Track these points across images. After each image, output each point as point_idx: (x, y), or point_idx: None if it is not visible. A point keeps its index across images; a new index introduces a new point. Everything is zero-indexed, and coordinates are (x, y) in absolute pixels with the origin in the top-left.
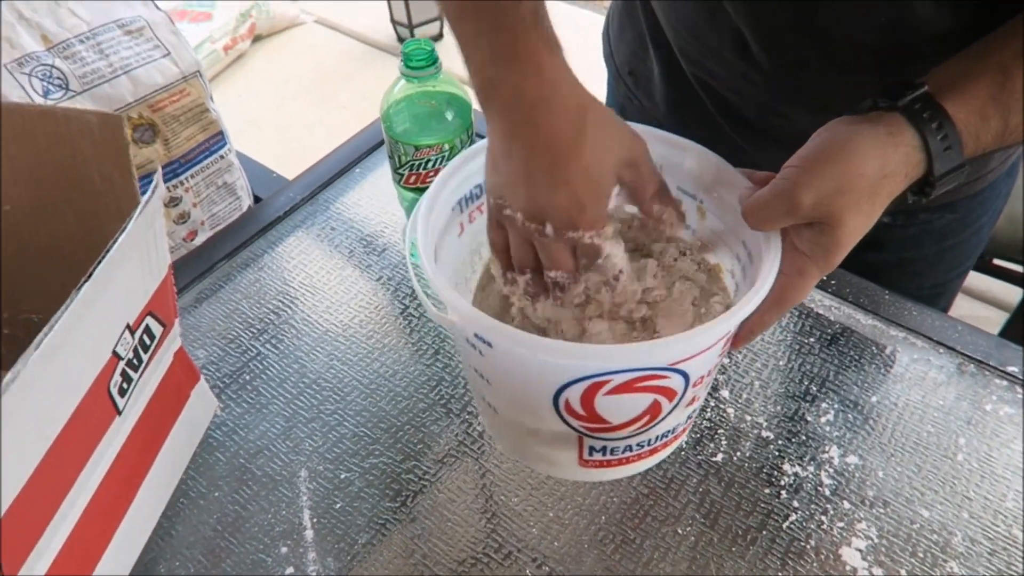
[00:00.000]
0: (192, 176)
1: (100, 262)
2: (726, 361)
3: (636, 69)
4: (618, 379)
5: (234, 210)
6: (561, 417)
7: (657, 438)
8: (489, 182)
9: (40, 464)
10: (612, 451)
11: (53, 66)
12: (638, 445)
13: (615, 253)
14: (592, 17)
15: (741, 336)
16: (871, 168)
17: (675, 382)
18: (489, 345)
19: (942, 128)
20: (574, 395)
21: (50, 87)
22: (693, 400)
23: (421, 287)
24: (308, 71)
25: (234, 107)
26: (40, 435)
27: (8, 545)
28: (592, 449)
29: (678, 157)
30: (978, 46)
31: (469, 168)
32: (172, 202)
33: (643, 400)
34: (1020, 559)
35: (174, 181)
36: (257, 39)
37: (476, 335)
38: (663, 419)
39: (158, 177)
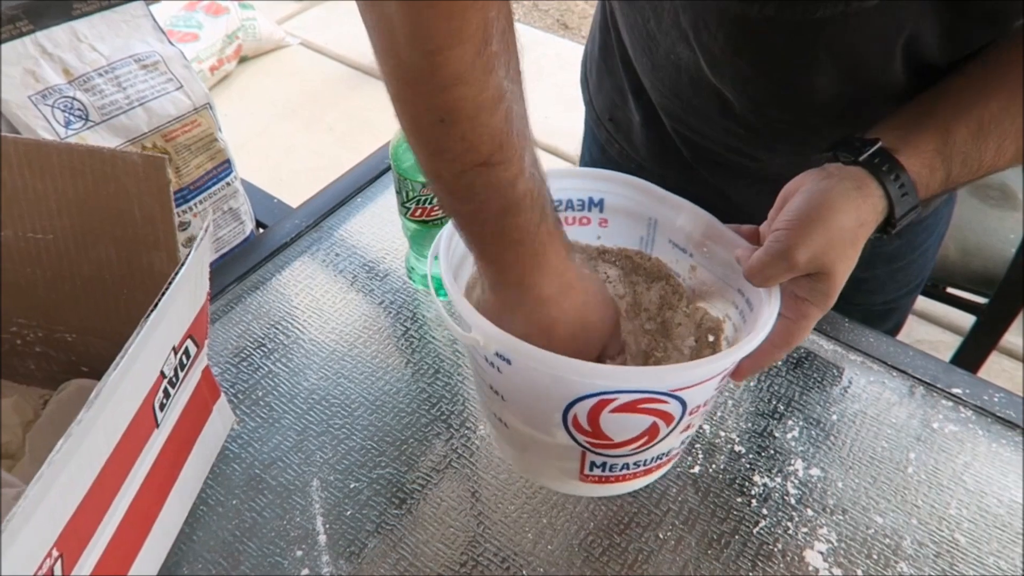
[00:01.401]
0: (200, 202)
1: (163, 295)
2: None
3: (616, 116)
4: (623, 398)
5: (238, 234)
6: (568, 431)
7: (652, 459)
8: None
9: (98, 474)
10: (611, 468)
11: (74, 98)
12: (635, 464)
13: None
14: (575, 48)
15: (744, 370)
16: (850, 221)
17: (673, 407)
18: (508, 363)
19: (899, 178)
20: (582, 411)
21: (71, 118)
22: (688, 427)
23: (445, 308)
24: (294, 93)
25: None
26: (104, 447)
27: (66, 551)
28: (593, 464)
29: (672, 215)
30: (923, 101)
31: None
32: (181, 226)
33: (643, 421)
34: (962, 560)
35: (184, 206)
36: (243, 60)
37: (497, 354)
38: (660, 441)
39: (210, 218)
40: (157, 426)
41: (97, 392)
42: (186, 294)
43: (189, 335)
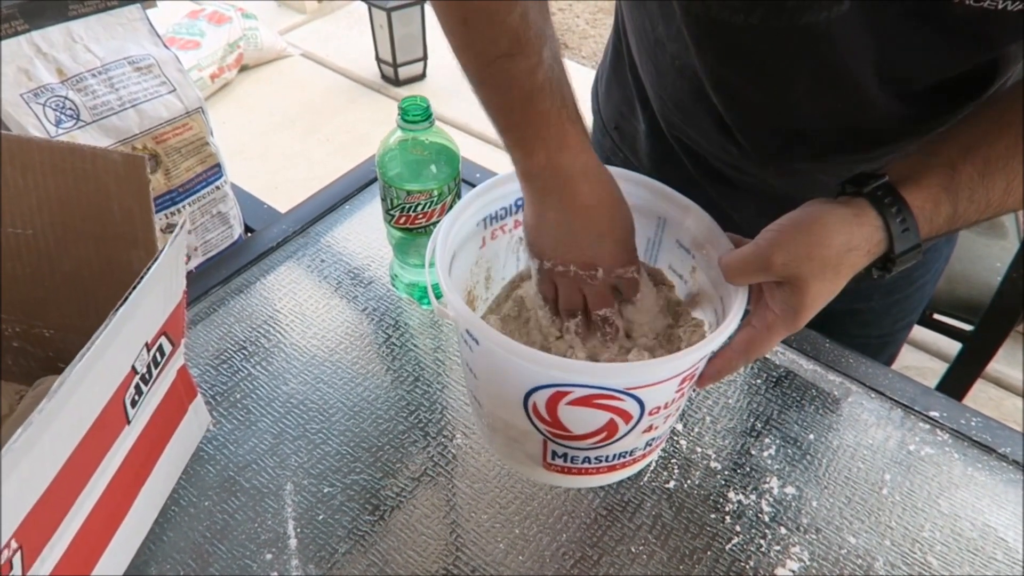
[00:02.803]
0: (189, 204)
1: (134, 289)
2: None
3: (621, 125)
4: (578, 392)
5: (226, 238)
6: (529, 418)
7: (615, 456)
8: (536, 247)
9: (62, 467)
10: (572, 459)
11: (66, 97)
12: (596, 459)
13: (644, 282)
14: (576, 68)
15: (707, 375)
16: (837, 241)
17: (630, 406)
18: (476, 342)
19: (900, 212)
20: (541, 399)
21: (62, 117)
22: (651, 428)
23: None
24: (293, 103)
25: (219, 135)
26: (68, 440)
27: (26, 543)
28: (554, 454)
29: (680, 215)
30: (930, 141)
31: (492, 195)
32: (169, 228)
33: (600, 416)
34: None
35: (172, 209)
36: (244, 69)
37: (467, 331)
38: (619, 439)
39: (185, 215)
40: (128, 422)
41: (61, 382)
42: (160, 290)
43: (163, 332)
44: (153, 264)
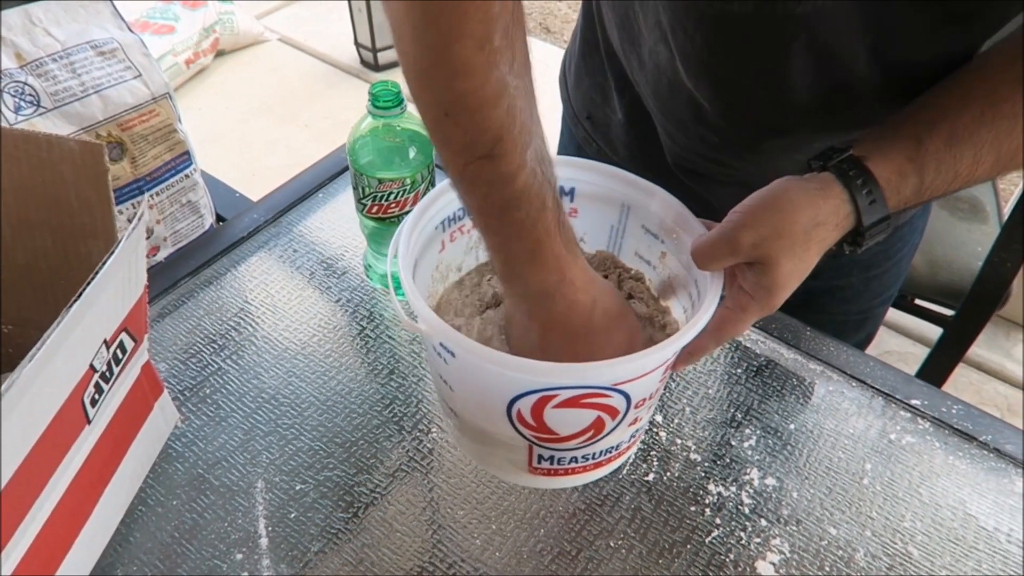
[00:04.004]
0: (157, 194)
1: (88, 284)
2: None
3: (594, 114)
4: (565, 394)
5: (197, 228)
6: (513, 426)
7: (601, 452)
8: (514, 348)
9: (18, 469)
10: (559, 461)
11: (25, 83)
12: (583, 457)
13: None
14: (558, 52)
15: (680, 359)
16: (804, 217)
17: (617, 401)
18: (452, 355)
19: (866, 184)
20: (525, 406)
21: (22, 103)
22: (636, 420)
23: (398, 298)
24: (271, 89)
25: (195, 122)
26: (22, 441)
27: None
28: (540, 458)
29: (645, 200)
30: (896, 118)
31: (451, 195)
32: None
33: (588, 416)
34: (914, 573)
35: (139, 198)
36: (220, 54)
37: (442, 345)
38: (607, 435)
39: (144, 206)
40: (89, 422)
41: (11, 382)
42: (118, 284)
43: (124, 328)
44: (109, 257)
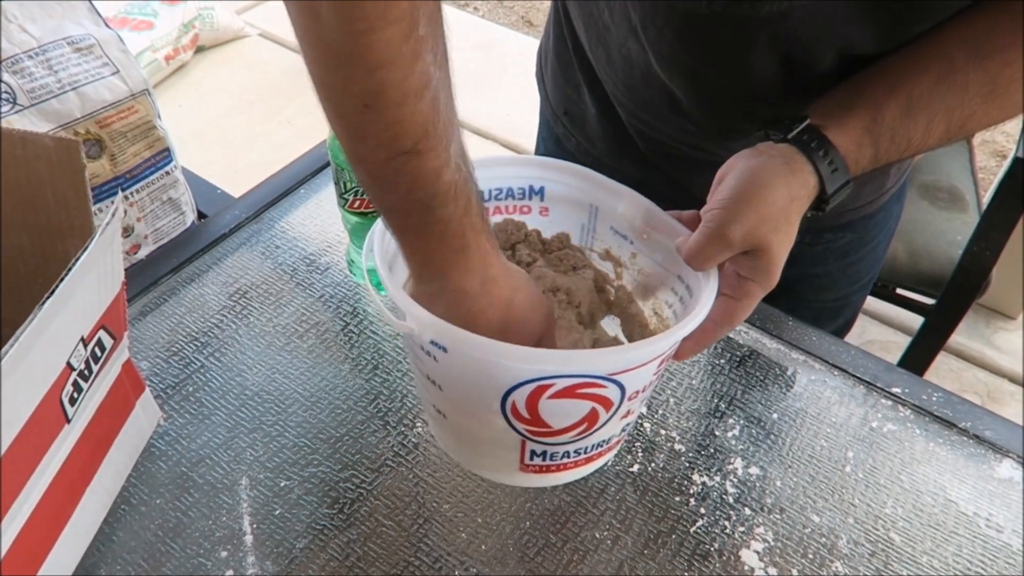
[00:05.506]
0: (137, 191)
1: (62, 280)
2: None
3: (571, 110)
4: (561, 383)
5: (178, 225)
6: (507, 419)
7: (592, 447)
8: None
9: None
10: (551, 456)
11: (1, 80)
12: (575, 452)
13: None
14: (536, 46)
15: (686, 349)
16: (781, 196)
17: (612, 392)
18: (444, 350)
19: (828, 154)
20: (520, 397)
21: None
22: (628, 413)
23: (383, 300)
24: (252, 85)
25: (175, 118)
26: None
27: None
28: (533, 453)
29: (612, 201)
30: (855, 81)
31: None
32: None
33: (583, 407)
34: (896, 559)
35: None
36: (200, 50)
37: (432, 341)
38: (599, 428)
39: (119, 200)
40: (68, 421)
41: None
42: (94, 281)
43: (102, 325)
44: (83, 253)
